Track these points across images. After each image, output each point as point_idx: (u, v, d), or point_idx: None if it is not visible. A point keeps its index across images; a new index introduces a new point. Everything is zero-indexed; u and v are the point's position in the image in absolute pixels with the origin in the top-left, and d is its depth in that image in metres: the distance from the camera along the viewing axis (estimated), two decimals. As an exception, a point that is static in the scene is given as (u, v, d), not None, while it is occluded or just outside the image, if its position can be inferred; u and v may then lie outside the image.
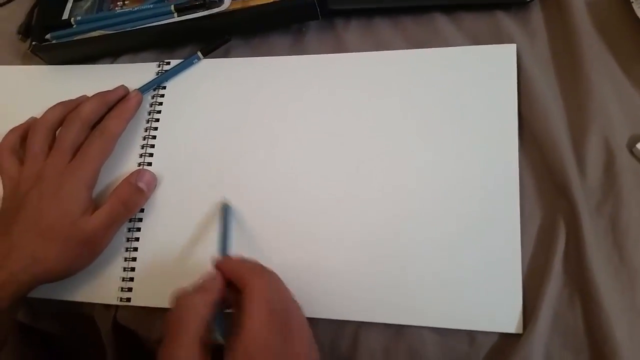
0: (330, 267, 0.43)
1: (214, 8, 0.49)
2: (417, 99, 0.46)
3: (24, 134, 0.49)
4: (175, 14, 0.50)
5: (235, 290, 0.37)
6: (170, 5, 0.50)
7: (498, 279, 0.40)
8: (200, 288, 0.37)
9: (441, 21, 0.49)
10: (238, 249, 0.45)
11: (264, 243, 0.45)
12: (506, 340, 0.39)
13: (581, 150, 0.41)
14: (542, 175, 0.42)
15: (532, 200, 0.42)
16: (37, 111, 0.50)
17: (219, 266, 0.39)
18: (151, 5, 0.51)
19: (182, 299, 0.36)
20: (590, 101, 0.42)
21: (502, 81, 0.45)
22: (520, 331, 0.38)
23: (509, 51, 0.46)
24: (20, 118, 0.51)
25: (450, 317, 0.40)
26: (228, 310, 0.38)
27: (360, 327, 0.42)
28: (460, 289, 0.40)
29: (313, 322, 0.40)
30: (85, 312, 0.48)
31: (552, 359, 0.38)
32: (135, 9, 0.52)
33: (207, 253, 0.45)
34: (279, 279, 0.38)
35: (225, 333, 0.35)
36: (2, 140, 0.49)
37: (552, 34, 0.47)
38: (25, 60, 0.57)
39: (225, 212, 0.45)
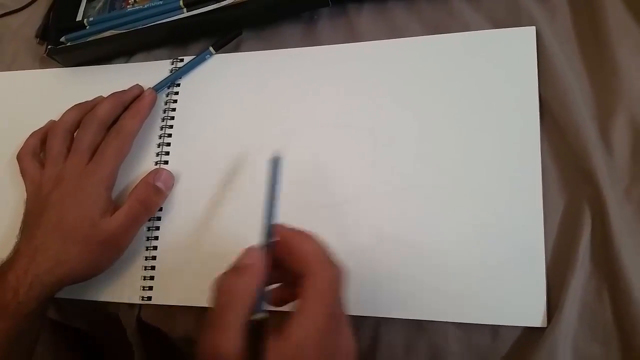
0: (349, 262, 0.42)
1: (223, 1, 0.49)
2: (435, 87, 0.45)
3: (43, 137, 0.50)
4: (185, 9, 0.50)
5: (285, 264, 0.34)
6: (179, 0, 0.49)
7: (521, 270, 0.39)
8: (242, 270, 0.33)
9: (458, 2, 0.48)
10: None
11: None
12: (531, 334, 0.38)
13: (607, 131, 0.39)
14: (566, 160, 0.40)
15: (556, 186, 0.40)
16: (56, 114, 0.50)
17: (281, 234, 0.35)
18: (160, 2, 0.51)
19: (222, 285, 0.33)
20: (617, 79, 0.40)
21: (522, 65, 0.43)
22: (545, 324, 0.37)
23: (528, 34, 0.44)
24: (40, 121, 0.52)
25: (472, 311, 0.39)
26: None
27: (381, 323, 0.41)
28: (482, 282, 0.39)
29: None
30: (110, 311, 0.49)
31: (579, 351, 0.36)
32: (145, 6, 0.52)
33: (225, 250, 0.45)
34: (344, 275, 0.34)
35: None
36: (23, 144, 0.50)
37: (574, 9, 0.44)
38: (44, 63, 0.58)
39: (274, 166, 0.39)
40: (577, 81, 0.42)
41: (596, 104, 0.41)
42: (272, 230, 0.35)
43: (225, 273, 0.34)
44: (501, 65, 0.44)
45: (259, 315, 0.32)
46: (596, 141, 0.39)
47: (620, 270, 0.36)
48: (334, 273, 0.33)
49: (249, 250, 0.35)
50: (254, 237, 0.44)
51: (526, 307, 0.38)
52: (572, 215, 0.39)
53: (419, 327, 0.40)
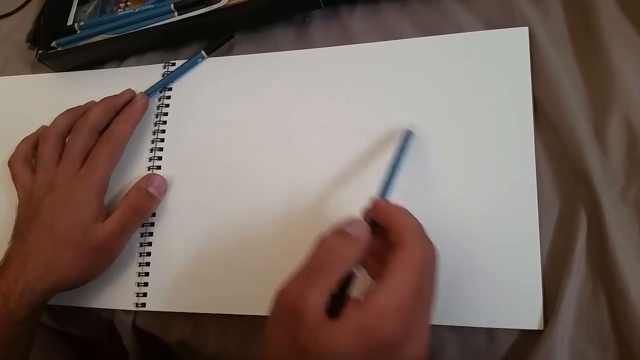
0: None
1: (214, 4, 0.48)
2: (428, 88, 0.45)
3: (35, 143, 0.50)
4: (176, 13, 0.49)
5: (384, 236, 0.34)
6: (170, 4, 0.49)
7: (516, 273, 0.38)
8: (349, 236, 0.33)
9: (450, 3, 0.47)
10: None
11: (280, 240, 0.44)
12: (527, 337, 0.37)
13: (602, 132, 0.39)
14: (560, 161, 0.40)
15: (550, 188, 0.40)
16: (48, 119, 0.50)
17: (380, 208, 0.36)
18: (151, 6, 0.51)
19: (331, 243, 0.33)
20: (611, 79, 0.40)
21: (515, 66, 0.43)
22: (542, 327, 0.37)
23: (521, 34, 0.43)
24: (31, 127, 0.51)
25: (468, 314, 0.39)
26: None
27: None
28: (478, 285, 0.39)
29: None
30: (105, 317, 0.48)
31: (576, 354, 0.36)
32: (136, 10, 0.51)
33: (219, 256, 0.45)
34: (436, 255, 0.34)
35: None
36: (15, 150, 0.50)
37: (568, 9, 0.44)
38: (35, 68, 0.58)
39: (405, 141, 0.41)
40: (571, 81, 0.41)
41: (590, 105, 0.40)
42: (378, 203, 0.36)
43: (333, 235, 0.34)
44: (494, 66, 0.43)
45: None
46: (591, 142, 0.39)
47: (616, 271, 0.36)
48: (427, 248, 0.33)
49: (357, 221, 0.34)
50: (248, 241, 0.45)
51: (522, 310, 0.38)
52: (568, 217, 0.38)
53: (414, 331, 0.40)
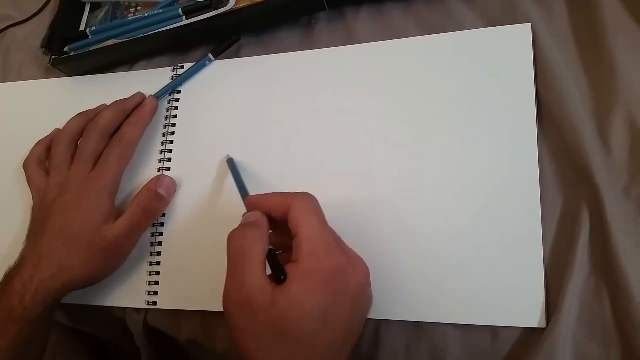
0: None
1: (221, 8, 0.49)
2: (432, 87, 0.45)
3: (48, 145, 0.51)
4: (184, 17, 0.50)
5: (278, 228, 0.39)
6: (178, 8, 0.50)
7: (519, 271, 0.38)
8: (250, 224, 0.38)
9: (454, 2, 0.47)
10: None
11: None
12: (530, 335, 0.37)
13: (605, 130, 0.39)
14: (563, 159, 0.40)
15: (553, 186, 0.40)
16: (61, 122, 0.51)
17: (252, 202, 0.40)
18: (160, 11, 0.52)
19: (238, 233, 0.37)
20: (614, 77, 0.40)
21: (518, 63, 0.43)
22: (544, 325, 0.37)
23: (524, 31, 0.43)
24: (45, 130, 0.53)
25: (471, 312, 0.39)
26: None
27: (381, 325, 0.41)
28: (480, 283, 0.39)
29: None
30: (117, 316, 0.49)
31: (579, 352, 0.36)
32: (146, 15, 0.52)
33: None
34: (316, 199, 0.38)
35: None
36: (29, 153, 0.51)
37: (571, 7, 0.44)
38: (49, 73, 0.59)
39: (230, 164, 0.46)
40: (575, 80, 0.41)
41: (594, 103, 0.40)
42: (249, 203, 0.41)
43: (237, 228, 0.38)
44: (497, 63, 0.44)
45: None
46: (594, 140, 0.39)
47: (619, 269, 0.36)
48: (307, 196, 0.38)
49: (248, 213, 0.40)
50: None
51: (525, 308, 0.38)
52: (570, 215, 0.39)
53: (418, 328, 0.40)
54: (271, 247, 0.37)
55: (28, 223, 0.48)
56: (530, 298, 0.38)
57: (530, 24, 0.43)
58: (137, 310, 0.48)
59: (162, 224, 0.48)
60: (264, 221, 0.38)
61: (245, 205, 0.41)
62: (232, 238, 0.37)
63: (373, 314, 0.41)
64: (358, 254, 0.37)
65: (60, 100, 0.57)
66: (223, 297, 0.36)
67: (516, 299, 0.38)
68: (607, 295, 0.36)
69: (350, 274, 0.35)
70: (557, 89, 0.41)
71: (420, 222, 0.42)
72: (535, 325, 0.37)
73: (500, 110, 0.42)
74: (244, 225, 0.38)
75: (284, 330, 0.33)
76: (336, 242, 0.36)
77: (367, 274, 0.37)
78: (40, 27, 0.63)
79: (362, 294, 0.37)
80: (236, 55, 0.53)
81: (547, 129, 0.41)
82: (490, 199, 0.41)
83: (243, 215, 0.40)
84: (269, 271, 0.36)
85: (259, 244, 0.36)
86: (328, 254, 0.35)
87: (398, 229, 0.42)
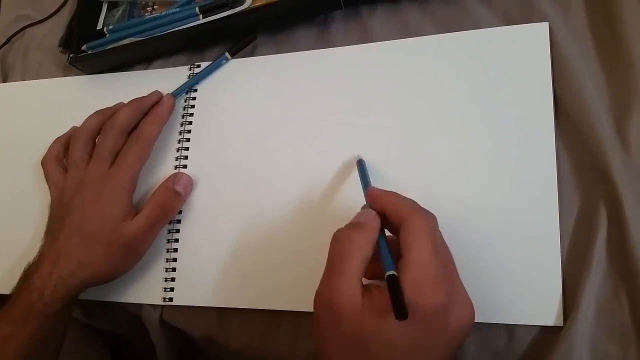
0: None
1: (237, 7, 0.49)
2: (448, 85, 0.45)
3: (66, 143, 0.51)
4: (201, 16, 0.51)
5: (389, 222, 0.36)
6: (195, 7, 0.50)
7: (536, 269, 0.38)
8: (358, 225, 0.35)
9: (470, 1, 0.47)
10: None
11: (302, 236, 0.45)
12: (547, 334, 0.37)
13: (623, 129, 0.39)
14: (581, 158, 0.40)
15: (571, 184, 0.40)
16: (79, 120, 0.52)
17: (373, 194, 0.38)
18: (177, 9, 0.52)
19: (344, 234, 0.35)
20: (633, 75, 0.40)
21: (535, 62, 0.43)
22: (561, 323, 0.37)
23: (541, 30, 0.43)
24: (63, 128, 0.53)
25: (486, 310, 0.38)
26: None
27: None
28: (498, 282, 0.39)
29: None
30: (133, 312, 0.50)
31: (596, 352, 0.36)
32: (162, 14, 0.53)
33: (244, 251, 0.46)
34: (436, 220, 0.35)
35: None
36: (48, 150, 0.52)
37: (588, 4, 0.43)
38: (66, 71, 0.60)
39: (360, 166, 0.44)
40: (593, 78, 0.41)
41: (612, 102, 0.40)
42: (369, 194, 0.38)
43: (343, 228, 0.35)
44: (514, 62, 0.43)
45: (389, 272, 0.32)
46: (612, 139, 0.39)
47: (637, 269, 0.35)
48: (427, 215, 0.35)
49: (362, 212, 0.37)
50: (271, 237, 0.46)
51: (542, 307, 0.38)
52: (588, 214, 0.38)
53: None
54: (395, 272, 0.32)
55: (46, 220, 0.49)
56: (547, 297, 0.38)
57: (547, 23, 0.43)
58: (153, 306, 0.48)
59: (179, 221, 0.49)
60: (375, 225, 0.35)
61: (365, 196, 0.38)
62: (335, 238, 0.35)
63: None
64: (465, 291, 0.34)
65: (77, 98, 0.57)
66: (315, 295, 0.34)
67: (533, 297, 0.38)
68: (625, 295, 0.36)
69: (453, 316, 0.32)
70: (575, 87, 0.41)
71: (438, 221, 0.42)
72: (552, 324, 0.37)
73: (518, 109, 0.42)
74: (352, 226, 0.36)
75: (365, 349, 0.32)
76: (445, 276, 0.32)
77: (472, 317, 0.33)
78: (58, 26, 0.63)
79: (461, 334, 0.33)
80: (252, 54, 0.53)
81: (564, 127, 0.41)
82: (508, 197, 0.41)
83: (362, 208, 0.38)
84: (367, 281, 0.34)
85: (361, 250, 0.33)
86: (432, 289, 0.31)
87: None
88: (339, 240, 0.35)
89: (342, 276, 0.33)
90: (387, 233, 0.36)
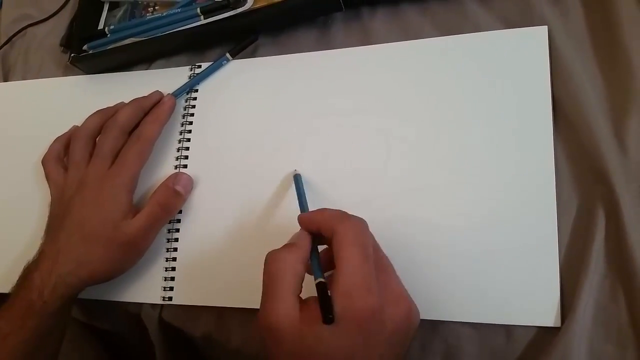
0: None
1: (238, 8, 0.50)
2: (448, 87, 0.45)
3: (67, 142, 0.52)
4: (202, 17, 0.51)
5: (324, 239, 0.37)
6: (196, 8, 0.51)
7: (534, 270, 0.39)
8: (290, 246, 0.36)
9: (470, 4, 0.48)
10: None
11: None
12: (545, 334, 0.38)
13: (621, 131, 0.39)
14: (579, 159, 0.40)
15: (569, 186, 0.40)
16: (79, 119, 0.52)
17: (302, 219, 0.39)
18: (178, 10, 0.52)
19: (274, 256, 0.35)
20: (631, 79, 0.40)
21: (534, 65, 0.43)
22: (559, 324, 0.37)
23: (540, 33, 0.44)
24: (64, 127, 0.53)
25: (485, 311, 0.39)
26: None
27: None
28: (495, 282, 0.39)
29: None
30: (133, 311, 0.50)
31: (594, 353, 0.36)
32: (164, 14, 0.53)
33: (243, 250, 0.46)
34: (366, 224, 0.36)
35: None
36: (48, 149, 0.52)
37: (587, 9, 0.44)
38: (67, 71, 0.60)
39: (296, 180, 0.45)
40: (591, 81, 0.41)
41: (610, 103, 0.40)
42: (299, 220, 0.39)
43: (274, 250, 0.36)
44: (513, 65, 0.44)
45: (318, 279, 0.34)
46: (610, 140, 0.39)
47: (635, 269, 0.36)
48: (354, 222, 0.35)
49: (295, 234, 0.38)
50: (270, 236, 0.46)
51: (540, 307, 0.38)
52: (586, 215, 0.39)
53: (433, 327, 0.40)
54: (323, 279, 0.34)
55: (46, 218, 0.49)
56: (545, 297, 0.38)
57: (546, 27, 0.44)
58: (153, 305, 0.49)
59: (179, 221, 0.49)
60: (306, 244, 0.37)
61: (298, 221, 0.39)
62: (267, 260, 0.36)
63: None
64: (404, 288, 0.35)
65: (78, 98, 0.58)
66: (256, 318, 0.34)
67: (531, 298, 0.38)
68: (623, 296, 0.36)
69: (388, 314, 0.32)
70: (573, 89, 0.41)
71: (436, 221, 0.42)
72: (550, 325, 0.37)
73: (517, 111, 0.43)
74: (283, 247, 0.36)
75: None
76: (377, 279, 0.33)
77: (409, 310, 0.34)
78: (59, 26, 0.63)
79: (401, 330, 0.33)
80: (253, 55, 0.53)
81: (562, 129, 0.41)
82: (506, 198, 0.41)
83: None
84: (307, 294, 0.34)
85: (292, 269, 0.34)
86: (363, 295, 0.32)
87: (412, 228, 0.42)
88: (270, 262, 0.35)
89: (276, 297, 0.33)
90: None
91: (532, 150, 0.41)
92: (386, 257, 0.36)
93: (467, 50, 0.46)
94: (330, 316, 0.31)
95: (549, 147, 0.41)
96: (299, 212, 0.45)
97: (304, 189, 0.44)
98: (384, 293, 0.33)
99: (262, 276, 0.35)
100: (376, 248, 0.36)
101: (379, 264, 0.35)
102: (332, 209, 0.37)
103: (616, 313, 0.36)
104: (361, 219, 0.36)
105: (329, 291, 0.33)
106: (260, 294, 0.44)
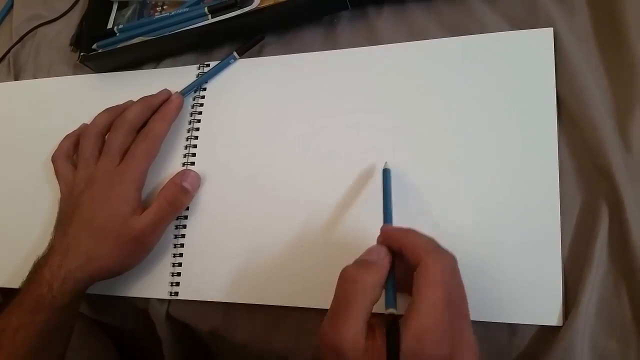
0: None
1: (246, 7, 0.50)
2: (454, 88, 0.46)
3: (76, 140, 0.52)
4: (209, 16, 0.51)
5: (404, 260, 0.34)
6: (204, 7, 0.51)
7: (537, 268, 0.39)
8: (369, 266, 0.34)
9: (476, 3, 0.48)
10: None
11: (307, 234, 0.46)
12: (548, 331, 0.38)
13: (625, 129, 0.39)
14: (583, 157, 0.40)
15: (573, 183, 0.40)
16: (89, 117, 0.52)
17: (388, 235, 0.36)
18: (186, 9, 0.53)
19: (352, 276, 0.34)
20: (635, 78, 0.40)
21: (540, 66, 0.43)
22: (561, 323, 0.37)
23: (546, 35, 0.44)
24: (73, 125, 0.54)
25: (487, 309, 0.39)
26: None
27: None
28: (499, 279, 0.39)
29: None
30: (140, 306, 0.50)
31: (597, 349, 0.36)
32: (172, 13, 0.53)
33: (249, 247, 0.47)
34: (456, 264, 0.34)
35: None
36: (58, 147, 0.52)
37: (593, 8, 0.44)
38: (77, 70, 0.61)
39: (385, 177, 0.43)
40: (595, 79, 0.42)
41: (614, 102, 0.41)
42: (383, 234, 0.37)
43: (351, 266, 0.34)
44: (519, 66, 0.44)
45: (390, 310, 0.33)
46: (614, 138, 0.39)
47: (638, 266, 0.36)
48: (445, 260, 0.33)
49: (374, 248, 0.36)
50: (276, 234, 0.46)
51: (543, 305, 0.38)
52: (589, 212, 0.39)
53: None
54: (395, 310, 0.32)
55: (56, 215, 0.49)
56: (549, 295, 0.38)
57: (552, 29, 0.44)
58: (160, 301, 0.49)
59: (186, 217, 0.50)
60: (386, 265, 0.34)
61: (380, 232, 0.37)
62: (343, 277, 0.34)
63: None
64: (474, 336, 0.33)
65: (88, 96, 0.58)
66: (319, 331, 0.33)
67: (534, 295, 0.38)
68: (626, 292, 0.37)
69: None
70: (577, 87, 0.41)
71: (440, 219, 0.42)
72: (554, 323, 0.37)
73: (521, 110, 0.43)
74: (361, 264, 0.35)
75: None
76: (453, 327, 0.31)
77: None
78: (69, 26, 0.64)
79: None
80: (259, 54, 0.54)
81: (566, 127, 0.42)
82: (510, 196, 0.41)
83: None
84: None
85: (369, 293, 0.33)
86: (436, 342, 0.30)
87: (417, 226, 0.42)
88: (347, 281, 0.34)
89: (348, 320, 0.32)
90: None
91: (536, 148, 0.41)
92: (466, 302, 0.33)
93: (473, 51, 0.46)
94: None
95: (553, 144, 0.41)
96: (309, 210, 0.46)
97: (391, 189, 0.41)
98: (456, 342, 0.31)
99: (336, 290, 0.34)
100: (461, 290, 0.34)
101: (459, 309, 0.33)
102: (423, 235, 0.35)
103: (619, 309, 0.37)
104: (452, 255, 0.34)
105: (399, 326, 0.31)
106: (265, 290, 0.45)
